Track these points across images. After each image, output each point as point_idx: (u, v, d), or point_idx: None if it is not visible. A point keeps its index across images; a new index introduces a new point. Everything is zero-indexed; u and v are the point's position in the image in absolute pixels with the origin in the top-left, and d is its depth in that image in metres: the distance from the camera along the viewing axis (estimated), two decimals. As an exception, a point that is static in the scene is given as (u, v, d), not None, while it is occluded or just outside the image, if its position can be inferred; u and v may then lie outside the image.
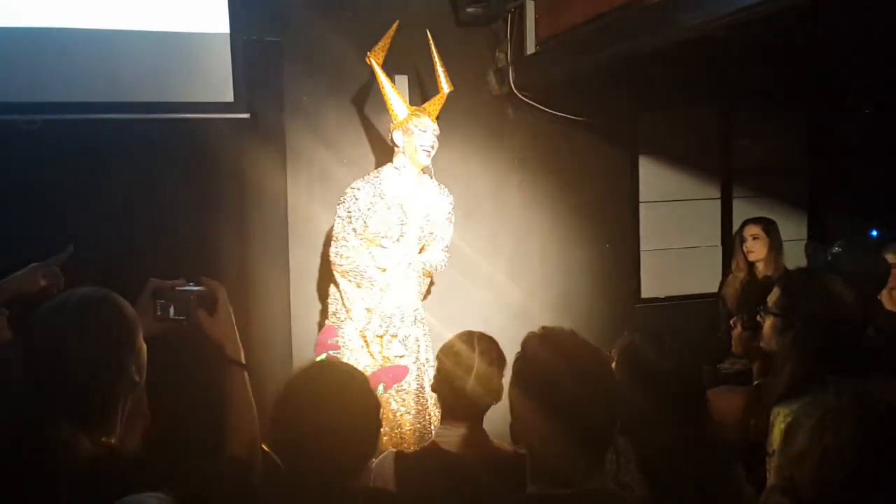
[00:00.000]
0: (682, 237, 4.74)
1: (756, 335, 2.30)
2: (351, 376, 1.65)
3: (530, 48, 4.07)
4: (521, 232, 4.44)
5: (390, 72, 4.00)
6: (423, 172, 3.64)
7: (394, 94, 3.61)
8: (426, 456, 2.08)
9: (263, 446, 1.60)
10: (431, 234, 3.68)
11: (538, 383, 1.42)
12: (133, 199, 3.53)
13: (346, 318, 3.56)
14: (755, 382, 2.32)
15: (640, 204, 4.66)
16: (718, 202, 4.82)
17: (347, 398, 1.55)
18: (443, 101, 3.68)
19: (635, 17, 3.12)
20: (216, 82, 3.63)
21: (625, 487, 1.65)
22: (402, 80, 4.07)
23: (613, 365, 1.90)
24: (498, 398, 2.17)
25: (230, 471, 1.55)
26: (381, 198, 3.53)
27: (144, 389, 1.59)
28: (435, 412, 3.48)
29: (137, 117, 3.54)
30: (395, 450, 2.07)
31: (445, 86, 3.70)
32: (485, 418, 2.20)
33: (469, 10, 4.14)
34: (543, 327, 1.54)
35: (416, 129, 3.54)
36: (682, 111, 4.64)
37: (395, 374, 3.42)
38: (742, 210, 4.74)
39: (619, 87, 4.25)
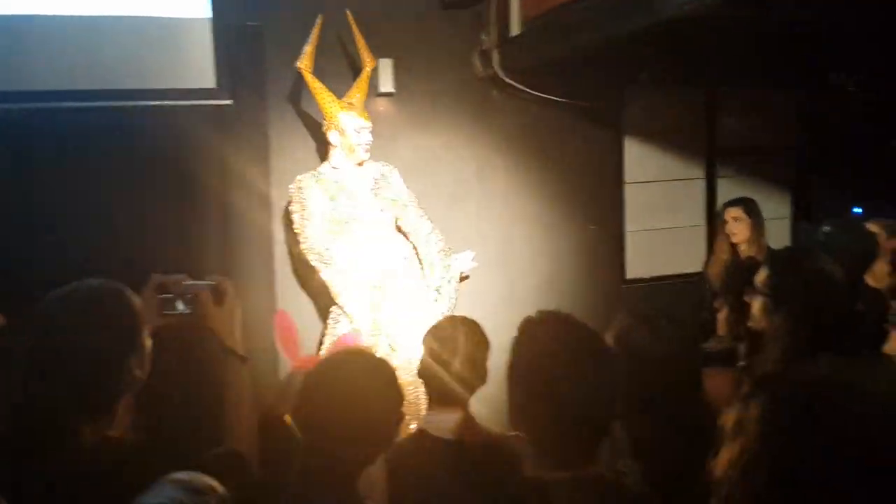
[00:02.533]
0: (667, 217, 4.76)
1: (741, 316, 2.32)
2: (379, 366, 1.69)
3: (515, 30, 4.05)
4: (507, 215, 4.43)
5: (374, 56, 3.99)
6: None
7: (325, 97, 3.65)
8: (415, 443, 2.09)
9: (287, 417, 1.62)
10: (394, 201, 3.75)
11: (538, 367, 1.43)
12: (113, 187, 3.48)
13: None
14: (741, 363, 2.34)
15: (625, 185, 4.67)
16: (703, 182, 4.84)
17: (372, 387, 1.59)
18: (367, 79, 3.74)
19: (620, -2, 3.11)
20: (198, 68, 3.59)
21: (619, 474, 1.67)
22: (387, 63, 4.04)
23: None
24: (483, 381, 2.18)
25: (229, 463, 1.55)
26: (322, 185, 3.64)
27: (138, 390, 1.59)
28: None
29: (117, 104, 3.49)
30: None
31: (367, 64, 3.74)
32: (472, 402, 2.21)
33: (453, -10, 4.11)
34: (540, 311, 1.55)
35: (349, 130, 3.62)
36: (668, 92, 4.64)
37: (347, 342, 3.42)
38: (726, 189, 4.76)
39: (604, 69, 4.24)
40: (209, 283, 1.73)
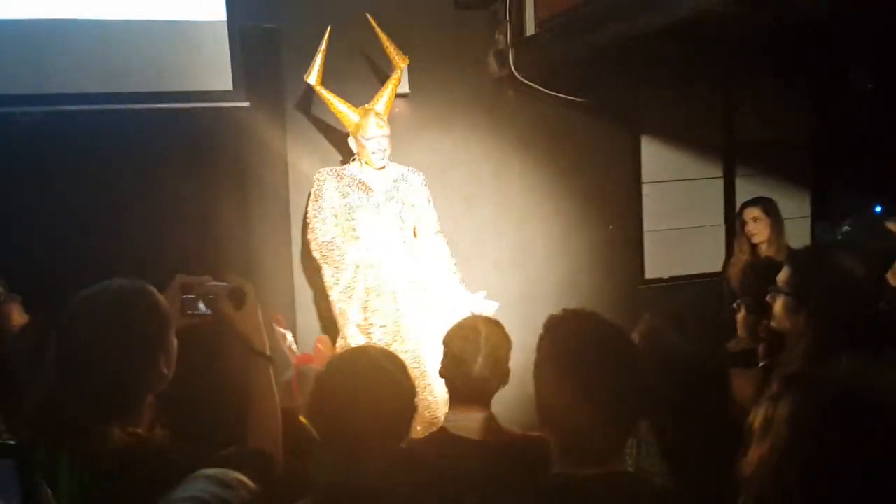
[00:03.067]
0: (685, 217, 4.73)
1: (760, 317, 2.30)
2: (390, 360, 1.71)
3: (530, 29, 4.04)
4: (524, 215, 4.42)
5: (388, 57, 4.00)
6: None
7: (341, 106, 3.70)
8: (436, 441, 2.08)
9: (302, 418, 1.63)
10: (413, 205, 3.76)
11: (565, 362, 1.42)
12: (132, 190, 3.51)
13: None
14: (761, 364, 2.31)
15: (643, 184, 4.64)
16: (721, 181, 4.80)
17: (383, 381, 1.61)
18: (397, 81, 3.77)
19: (636, -4, 3.10)
20: (215, 70, 3.60)
21: (646, 474, 1.65)
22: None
23: None
24: (505, 381, 2.17)
25: (253, 462, 1.56)
26: (339, 180, 3.70)
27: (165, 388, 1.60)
28: (433, 397, 3.57)
29: (135, 107, 3.51)
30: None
31: (401, 62, 3.77)
32: (493, 403, 2.20)
33: (467, -9, 4.11)
34: (565, 308, 1.54)
35: (362, 139, 3.65)
36: (684, 90, 4.61)
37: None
38: (745, 188, 4.72)
39: (619, 67, 4.22)
40: (227, 284, 1.74)
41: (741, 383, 2.02)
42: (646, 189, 4.65)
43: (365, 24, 3.78)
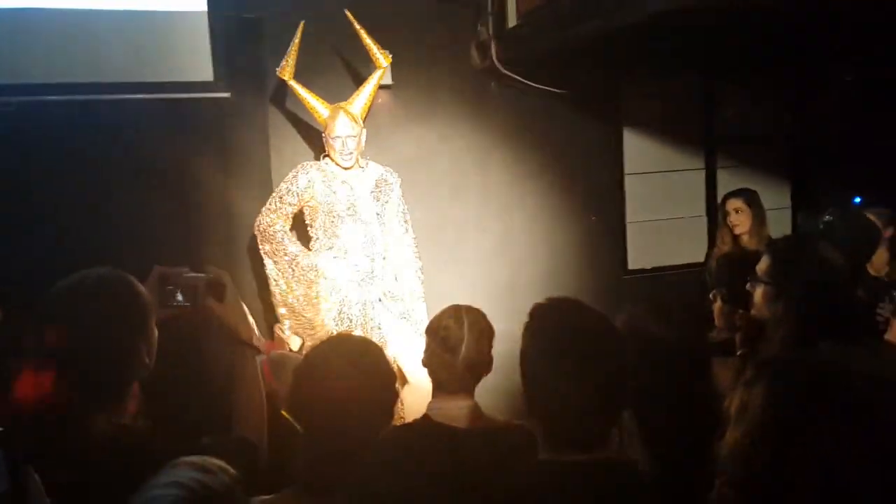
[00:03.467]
0: (668, 208, 4.76)
1: (735, 307, 2.32)
2: (367, 347, 1.72)
3: (512, 21, 4.04)
4: (508, 207, 4.43)
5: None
6: (358, 167, 3.69)
7: (313, 101, 3.67)
8: (420, 429, 2.08)
9: (283, 412, 1.63)
10: (386, 202, 3.73)
11: (549, 350, 1.44)
12: (111, 180, 3.48)
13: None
14: (739, 352, 2.34)
15: (625, 176, 4.66)
16: (703, 172, 4.83)
17: (363, 367, 1.62)
18: (378, 81, 3.74)
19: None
20: (196, 61, 3.58)
21: (631, 460, 1.67)
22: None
23: None
24: (489, 369, 2.18)
25: (238, 450, 1.57)
26: (324, 175, 3.64)
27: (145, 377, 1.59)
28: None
29: (115, 98, 3.48)
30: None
31: (382, 59, 3.74)
32: (478, 392, 2.21)
33: (451, -17, 4.10)
34: (549, 297, 1.56)
35: (329, 138, 3.63)
36: (666, 82, 4.63)
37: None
38: (726, 179, 4.76)
39: (602, 59, 4.23)
40: (205, 275, 1.75)
41: (721, 372, 2.04)
42: (628, 180, 4.67)
43: (343, 15, 3.76)
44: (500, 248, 4.42)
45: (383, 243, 3.71)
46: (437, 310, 2.34)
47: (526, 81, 4.28)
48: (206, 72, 3.59)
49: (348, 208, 3.62)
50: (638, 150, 4.67)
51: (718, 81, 4.78)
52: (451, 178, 4.30)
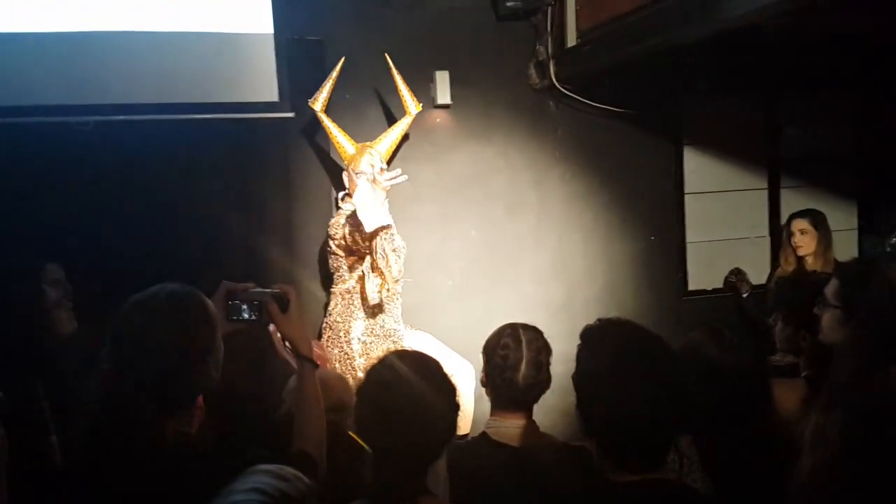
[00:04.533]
0: (729, 228, 4.67)
1: (798, 329, 2.27)
2: (426, 361, 1.74)
3: (571, 40, 4.05)
4: (565, 225, 4.42)
5: (429, 68, 4.05)
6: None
7: (340, 136, 3.67)
8: (478, 447, 2.09)
9: (350, 433, 1.66)
10: None
11: (603, 373, 1.44)
12: (181, 198, 3.59)
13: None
14: (803, 374, 2.28)
15: (686, 195, 4.60)
16: (766, 192, 4.74)
17: (426, 382, 1.64)
18: (405, 128, 3.72)
19: (678, 7, 3.08)
20: (261, 82, 3.68)
21: (691, 488, 1.64)
22: (444, 75, 4.08)
23: None
24: (547, 386, 2.18)
25: (298, 465, 1.60)
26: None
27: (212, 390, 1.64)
28: None
29: (184, 118, 3.60)
30: None
31: (412, 107, 3.73)
32: (535, 411, 2.21)
33: (509, 3, 4.13)
34: (600, 318, 1.58)
35: (353, 173, 3.55)
36: (728, 100, 4.57)
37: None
38: (790, 200, 4.66)
39: (662, 78, 4.20)
40: (274, 290, 1.78)
41: (784, 395, 2.00)
42: (689, 200, 4.60)
43: (402, 36, 3.81)
44: (557, 266, 4.40)
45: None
46: (493, 328, 2.35)
47: (584, 100, 4.27)
48: (271, 92, 3.69)
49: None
50: (699, 168, 4.61)
51: (782, 100, 4.69)
52: (508, 196, 4.31)
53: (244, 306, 1.76)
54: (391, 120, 3.81)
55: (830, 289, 2.02)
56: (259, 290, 1.79)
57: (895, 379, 1.09)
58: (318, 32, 3.88)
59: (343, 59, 3.71)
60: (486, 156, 4.27)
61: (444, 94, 4.08)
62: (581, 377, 1.50)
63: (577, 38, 4.01)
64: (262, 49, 3.69)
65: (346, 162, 3.69)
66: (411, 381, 1.63)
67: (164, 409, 1.51)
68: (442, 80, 4.08)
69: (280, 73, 3.68)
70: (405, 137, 3.93)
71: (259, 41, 3.69)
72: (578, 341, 1.57)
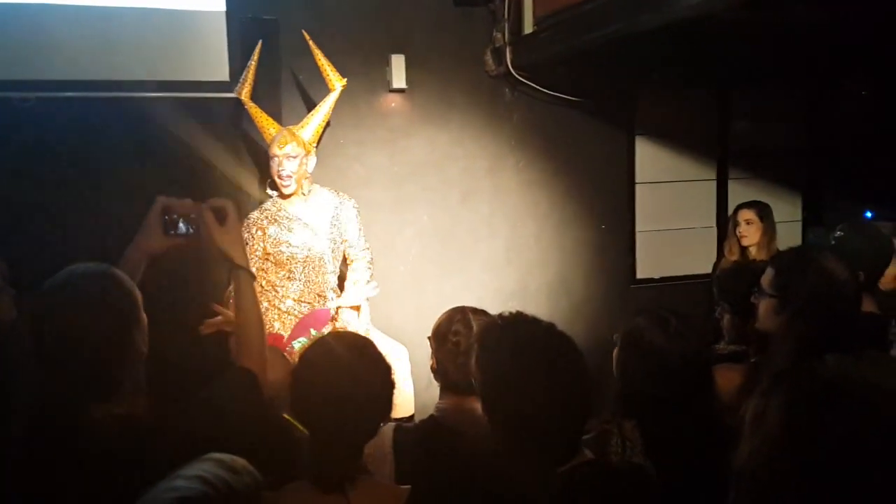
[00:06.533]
0: (678, 218, 4.75)
1: (745, 319, 2.31)
2: (361, 343, 1.74)
3: (528, 27, 4.06)
4: (518, 213, 4.44)
5: (385, 51, 4.01)
6: (301, 194, 3.49)
7: (264, 122, 3.55)
8: (426, 430, 2.09)
9: (285, 416, 1.65)
10: (344, 241, 3.60)
11: (505, 373, 1.51)
12: (123, 177, 3.50)
13: None
14: (752, 360, 2.33)
15: (636, 185, 4.67)
16: (714, 183, 4.83)
17: (361, 362, 1.65)
18: (332, 104, 3.61)
19: (634, -4, 3.11)
20: (212, 61, 3.62)
21: (635, 464, 1.67)
22: (400, 59, 4.05)
23: (616, 350, 1.92)
24: None
25: (240, 384, 1.59)
26: (276, 220, 3.49)
27: (143, 363, 1.60)
28: None
29: (131, 95, 3.52)
30: (393, 423, 2.09)
31: (336, 82, 3.60)
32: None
33: (467, -12, 4.12)
34: (501, 314, 1.63)
35: (271, 157, 3.46)
36: (680, 92, 4.64)
37: (318, 318, 3.34)
38: (737, 191, 4.75)
39: (616, 68, 4.24)
40: (210, 203, 1.76)
41: (726, 380, 2.04)
42: (639, 189, 4.67)
43: (358, 18, 3.76)
44: (510, 253, 4.43)
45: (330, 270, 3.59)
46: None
47: (540, 88, 4.29)
48: (222, 72, 3.62)
49: (305, 253, 3.50)
50: (650, 159, 4.67)
51: (733, 92, 4.78)
52: (462, 183, 4.31)
53: (181, 221, 1.75)
54: (345, 98, 3.76)
55: (766, 278, 2.05)
56: (196, 203, 1.77)
57: (830, 367, 1.12)
58: (271, 12, 3.81)
59: (260, 44, 3.59)
60: (441, 142, 4.26)
61: (399, 78, 4.06)
62: (484, 381, 1.56)
63: (533, 25, 4.02)
64: (213, 27, 3.62)
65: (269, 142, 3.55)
66: (346, 361, 1.63)
67: (95, 396, 1.48)
68: (398, 63, 4.05)
69: (231, 53, 3.62)
70: (359, 118, 3.88)
71: (211, 18, 3.62)
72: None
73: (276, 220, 3.50)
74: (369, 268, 3.69)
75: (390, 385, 1.68)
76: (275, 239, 3.47)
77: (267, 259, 3.49)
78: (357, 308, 3.59)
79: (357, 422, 1.61)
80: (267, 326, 3.27)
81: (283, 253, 3.47)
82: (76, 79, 3.45)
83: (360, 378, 1.61)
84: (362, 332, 3.11)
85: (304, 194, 3.53)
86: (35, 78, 3.40)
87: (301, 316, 3.47)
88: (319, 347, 1.71)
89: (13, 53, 3.38)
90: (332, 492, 1.58)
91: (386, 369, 1.69)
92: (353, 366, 1.63)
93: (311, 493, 1.58)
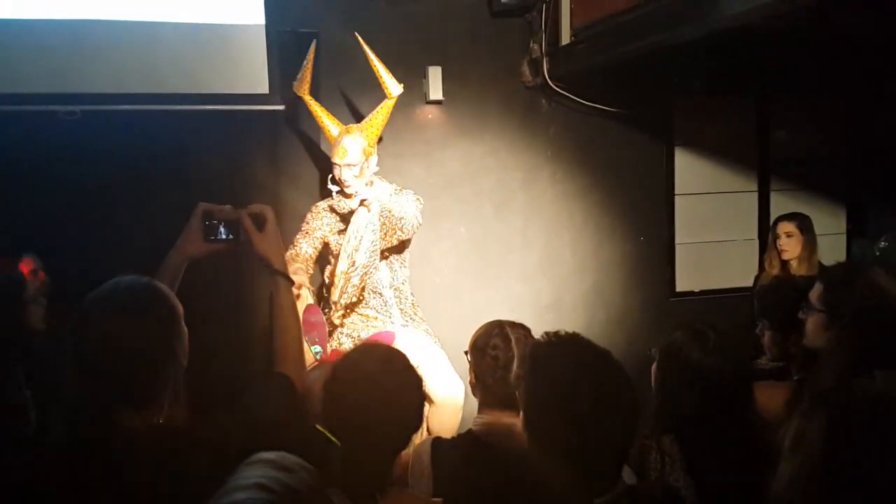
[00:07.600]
0: (718, 230, 4.68)
1: (787, 335, 2.27)
2: (391, 353, 1.75)
3: (565, 38, 4.04)
4: (554, 224, 4.42)
5: (422, 63, 4.03)
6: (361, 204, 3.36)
7: (326, 120, 3.56)
8: (465, 445, 2.08)
9: (317, 426, 1.66)
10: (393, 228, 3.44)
11: (553, 391, 1.47)
12: (166, 189, 3.56)
13: None
14: (795, 378, 2.28)
15: (676, 196, 4.61)
16: (755, 195, 4.75)
17: (392, 374, 1.65)
18: (386, 111, 3.55)
19: (673, 7, 3.08)
20: (252, 74, 3.66)
21: (671, 488, 1.64)
22: (436, 71, 4.06)
23: (654, 364, 1.90)
24: None
25: (278, 391, 1.59)
26: (340, 216, 3.52)
27: (183, 374, 1.62)
28: None
29: (174, 108, 3.57)
30: (432, 436, 2.10)
31: (394, 88, 3.52)
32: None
33: (503, -1, 4.12)
34: (546, 333, 1.59)
35: (333, 165, 3.45)
36: (719, 102, 4.58)
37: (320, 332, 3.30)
38: (779, 202, 4.67)
39: (654, 78, 4.20)
40: (251, 210, 1.79)
41: (769, 398, 2.00)
42: (678, 201, 4.61)
43: (395, 30, 3.77)
44: (546, 265, 4.40)
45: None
46: (479, 326, 2.33)
47: (577, 99, 4.27)
48: (262, 84, 3.67)
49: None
50: (689, 170, 4.62)
51: (774, 103, 4.70)
52: (498, 195, 4.30)
53: (221, 226, 1.77)
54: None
55: (815, 293, 2.02)
56: (236, 210, 1.79)
57: (878, 384, 1.08)
58: (310, 25, 3.85)
59: (315, 42, 3.62)
60: (477, 153, 4.26)
61: (436, 90, 4.07)
62: (529, 404, 1.53)
63: (570, 36, 4.01)
64: (253, 41, 3.67)
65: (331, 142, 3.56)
66: (377, 373, 1.64)
67: (135, 406, 1.49)
68: (434, 75, 4.06)
69: (271, 65, 3.66)
70: (396, 130, 3.90)
71: (251, 32, 3.66)
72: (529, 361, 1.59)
73: (340, 215, 3.54)
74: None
75: (420, 396, 1.69)
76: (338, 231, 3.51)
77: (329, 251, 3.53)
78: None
79: (387, 433, 1.62)
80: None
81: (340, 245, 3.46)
82: (120, 92, 3.51)
83: (389, 388, 1.62)
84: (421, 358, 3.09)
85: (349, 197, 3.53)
86: (81, 91, 3.47)
87: (363, 314, 3.54)
88: (350, 358, 1.72)
89: (60, 67, 3.45)
90: (363, 502, 1.58)
91: (416, 380, 1.69)
92: (382, 376, 1.64)
93: (341, 502, 1.58)
